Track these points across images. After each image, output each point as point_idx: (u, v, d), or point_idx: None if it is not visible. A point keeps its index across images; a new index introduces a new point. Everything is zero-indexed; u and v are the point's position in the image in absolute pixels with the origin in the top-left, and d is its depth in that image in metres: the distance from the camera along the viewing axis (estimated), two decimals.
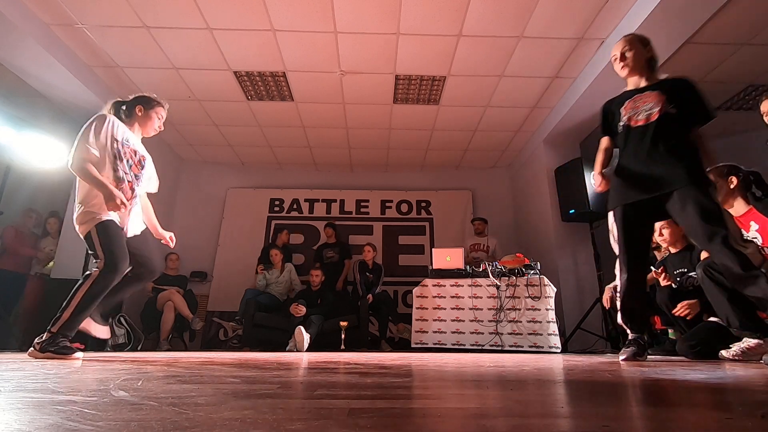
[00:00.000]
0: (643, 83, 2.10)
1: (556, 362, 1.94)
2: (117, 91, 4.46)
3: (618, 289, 2.10)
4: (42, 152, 3.99)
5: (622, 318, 2.09)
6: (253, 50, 3.81)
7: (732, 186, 2.17)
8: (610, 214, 2.12)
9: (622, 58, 2.09)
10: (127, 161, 2.29)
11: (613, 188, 2.11)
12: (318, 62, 3.95)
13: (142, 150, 2.43)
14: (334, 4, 3.23)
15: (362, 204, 6.21)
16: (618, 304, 2.10)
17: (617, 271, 2.09)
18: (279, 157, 6.05)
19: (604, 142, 2.24)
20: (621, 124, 2.09)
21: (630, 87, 2.16)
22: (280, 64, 3.98)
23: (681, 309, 2.45)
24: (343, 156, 5.93)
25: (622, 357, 2.01)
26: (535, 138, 5.33)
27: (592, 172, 2.22)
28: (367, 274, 5.01)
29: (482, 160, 6.15)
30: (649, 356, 2.18)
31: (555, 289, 3.67)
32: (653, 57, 2.13)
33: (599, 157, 2.21)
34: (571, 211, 4.59)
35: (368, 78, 4.19)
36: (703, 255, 2.22)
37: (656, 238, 3.07)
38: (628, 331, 2.10)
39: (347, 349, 4.10)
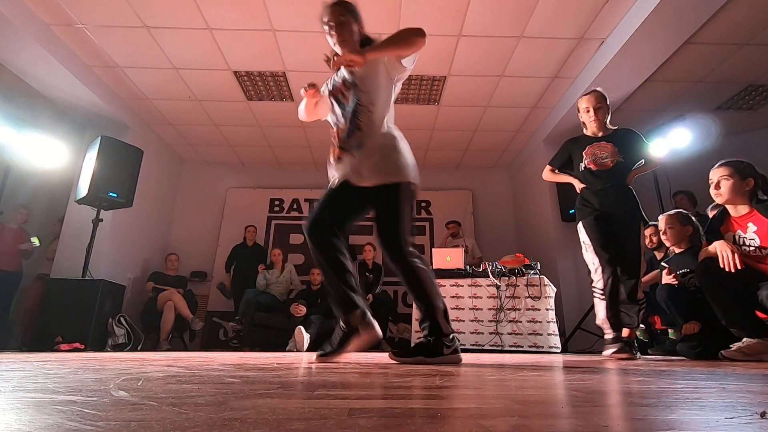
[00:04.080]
0: (600, 133, 2.62)
1: (556, 362, 1.94)
2: (117, 91, 4.46)
3: (600, 289, 2.43)
4: (42, 152, 3.99)
5: (609, 317, 2.40)
6: (253, 50, 3.81)
7: (747, 188, 2.16)
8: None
9: (596, 112, 2.59)
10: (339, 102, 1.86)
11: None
12: (318, 62, 3.91)
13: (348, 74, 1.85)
14: None
15: None
16: (601, 304, 2.42)
17: (596, 274, 2.46)
18: (279, 157, 6.05)
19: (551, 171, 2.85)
20: (582, 164, 2.60)
21: (588, 133, 2.67)
22: (280, 64, 3.99)
23: (688, 328, 2.46)
24: None
25: (612, 351, 2.29)
26: (535, 138, 5.33)
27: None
28: (367, 274, 5.01)
29: (482, 160, 6.15)
30: (648, 356, 2.20)
31: (555, 289, 3.67)
32: (609, 111, 2.67)
33: (558, 178, 2.86)
34: (571, 211, 4.59)
35: None
36: (702, 256, 2.22)
37: (659, 238, 3.08)
38: (609, 330, 2.40)
39: None
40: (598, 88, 2.69)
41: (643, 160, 2.61)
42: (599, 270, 2.42)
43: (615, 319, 2.37)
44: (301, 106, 1.97)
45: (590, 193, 2.56)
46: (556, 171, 2.81)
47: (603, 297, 2.40)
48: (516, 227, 6.07)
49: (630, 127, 2.67)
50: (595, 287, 2.46)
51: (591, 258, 2.47)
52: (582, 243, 2.56)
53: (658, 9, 2.94)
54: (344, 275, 1.67)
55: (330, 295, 1.71)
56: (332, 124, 1.89)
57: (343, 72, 1.85)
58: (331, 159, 1.85)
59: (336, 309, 1.68)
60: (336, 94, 1.86)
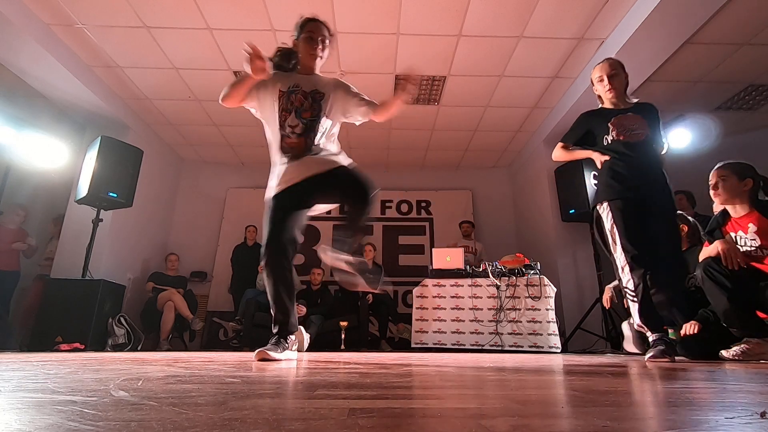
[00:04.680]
0: (621, 105, 2.31)
1: (556, 362, 1.94)
2: (117, 91, 4.46)
3: (631, 290, 2.07)
4: (42, 152, 3.99)
5: (643, 320, 2.05)
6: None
7: (745, 188, 2.17)
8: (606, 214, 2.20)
9: (610, 80, 2.28)
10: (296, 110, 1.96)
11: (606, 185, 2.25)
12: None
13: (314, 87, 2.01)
14: (333, 5, 3.23)
15: None
16: (635, 306, 2.07)
17: (624, 273, 2.10)
18: None
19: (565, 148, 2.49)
20: (608, 137, 2.27)
21: (608, 106, 2.35)
22: None
23: (688, 329, 2.43)
24: None
25: (649, 355, 1.95)
26: (535, 138, 5.33)
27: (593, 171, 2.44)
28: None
29: (482, 160, 6.15)
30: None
31: (555, 289, 3.67)
32: (627, 78, 2.36)
33: (573, 155, 2.48)
34: (571, 211, 4.59)
35: (368, 78, 4.19)
36: (702, 256, 2.22)
37: None
38: (648, 333, 2.06)
39: (347, 349, 4.10)
40: (611, 57, 2.38)
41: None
42: (626, 269, 2.07)
43: (651, 320, 2.04)
44: (235, 89, 1.90)
45: (623, 166, 2.15)
46: (571, 147, 2.44)
47: (635, 299, 2.05)
48: (516, 227, 6.07)
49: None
50: (626, 288, 2.11)
51: (618, 254, 2.10)
52: (605, 231, 2.16)
53: (657, 9, 2.94)
54: (292, 293, 1.93)
55: (277, 306, 1.89)
56: (279, 127, 1.97)
57: (301, 84, 1.99)
58: (283, 158, 1.95)
59: (279, 320, 1.90)
60: (294, 102, 1.97)
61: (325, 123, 1.99)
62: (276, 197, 1.94)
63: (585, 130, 2.38)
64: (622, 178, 2.15)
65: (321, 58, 2.03)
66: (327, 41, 2.04)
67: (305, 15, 2.08)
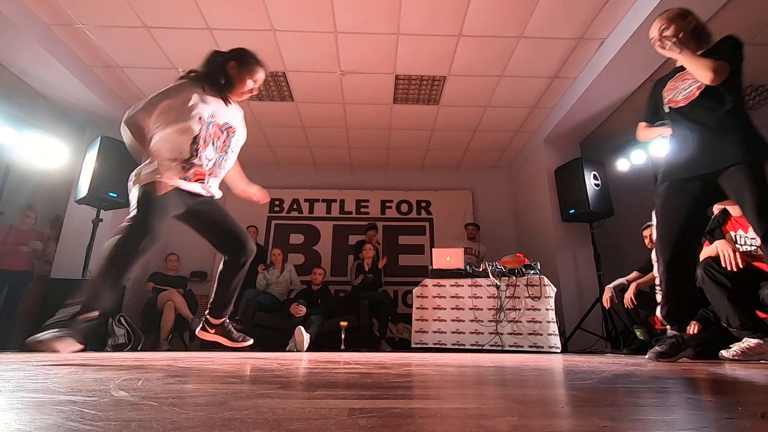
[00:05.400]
0: None
1: (556, 362, 1.94)
2: (117, 91, 4.46)
3: (657, 281, 1.97)
4: (42, 152, 3.99)
5: (662, 312, 1.93)
6: (254, 50, 3.80)
7: None
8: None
9: (661, 38, 1.90)
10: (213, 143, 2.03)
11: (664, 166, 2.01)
12: (318, 62, 3.95)
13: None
14: (334, 4, 3.23)
15: (362, 204, 6.21)
16: (659, 297, 1.97)
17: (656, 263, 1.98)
18: (279, 157, 6.05)
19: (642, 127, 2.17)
20: (665, 106, 1.97)
21: (678, 65, 1.99)
22: (280, 64, 3.98)
23: (688, 329, 2.42)
24: (343, 156, 5.93)
25: (649, 356, 1.92)
26: (535, 138, 5.33)
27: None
28: (367, 274, 5.01)
29: (482, 160, 6.15)
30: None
31: (555, 289, 3.66)
32: (697, 25, 1.94)
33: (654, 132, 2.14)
34: (571, 211, 4.59)
35: (368, 78, 4.19)
36: (703, 256, 2.22)
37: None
38: (668, 327, 1.96)
39: (347, 349, 4.09)
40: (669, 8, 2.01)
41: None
42: (657, 260, 1.92)
43: (670, 316, 1.90)
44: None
45: (674, 140, 1.90)
46: (651, 125, 2.13)
47: (659, 290, 1.93)
48: (516, 227, 6.07)
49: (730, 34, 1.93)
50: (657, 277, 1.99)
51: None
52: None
53: (658, 9, 2.93)
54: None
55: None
56: (200, 154, 2.02)
57: (227, 119, 2.17)
58: (192, 182, 2.03)
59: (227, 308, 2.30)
60: (213, 133, 2.07)
61: (233, 156, 2.19)
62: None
63: (654, 102, 2.07)
64: (673, 156, 1.90)
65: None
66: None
67: (258, 55, 2.19)
